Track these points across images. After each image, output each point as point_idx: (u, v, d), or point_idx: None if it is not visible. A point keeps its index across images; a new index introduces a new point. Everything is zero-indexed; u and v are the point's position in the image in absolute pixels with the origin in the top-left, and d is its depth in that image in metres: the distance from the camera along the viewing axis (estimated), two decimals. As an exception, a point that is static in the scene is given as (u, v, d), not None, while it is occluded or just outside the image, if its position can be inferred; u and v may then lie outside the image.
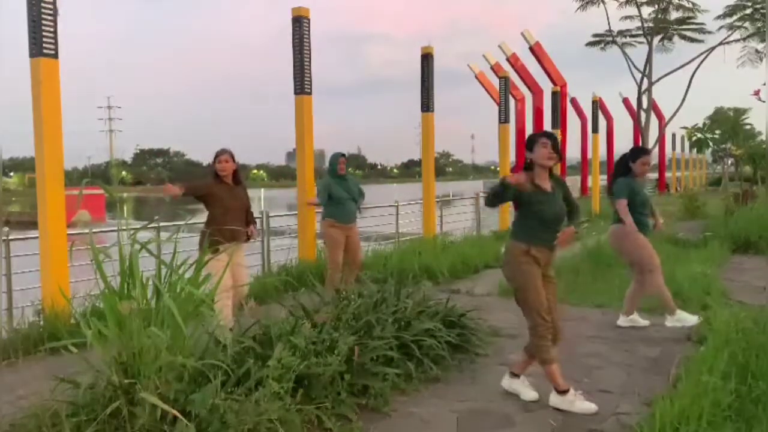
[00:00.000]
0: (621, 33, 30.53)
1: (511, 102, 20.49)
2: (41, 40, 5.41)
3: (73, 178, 52.87)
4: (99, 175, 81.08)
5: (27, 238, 6.33)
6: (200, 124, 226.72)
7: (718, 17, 28.75)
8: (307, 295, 5.00)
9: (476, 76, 26.91)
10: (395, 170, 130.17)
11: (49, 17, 5.45)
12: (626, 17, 29.62)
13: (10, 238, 5.80)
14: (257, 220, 5.81)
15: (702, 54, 29.54)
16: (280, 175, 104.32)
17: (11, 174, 69.66)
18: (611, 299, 6.30)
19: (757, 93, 26.29)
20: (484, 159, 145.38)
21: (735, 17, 28.37)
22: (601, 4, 28.83)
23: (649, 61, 29.25)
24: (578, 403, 3.65)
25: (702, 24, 29.55)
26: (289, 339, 3.63)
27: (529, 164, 3.80)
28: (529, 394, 3.86)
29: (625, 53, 30.15)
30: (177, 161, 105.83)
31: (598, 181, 18.74)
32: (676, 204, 16.66)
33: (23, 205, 33.70)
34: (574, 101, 30.26)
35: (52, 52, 5.50)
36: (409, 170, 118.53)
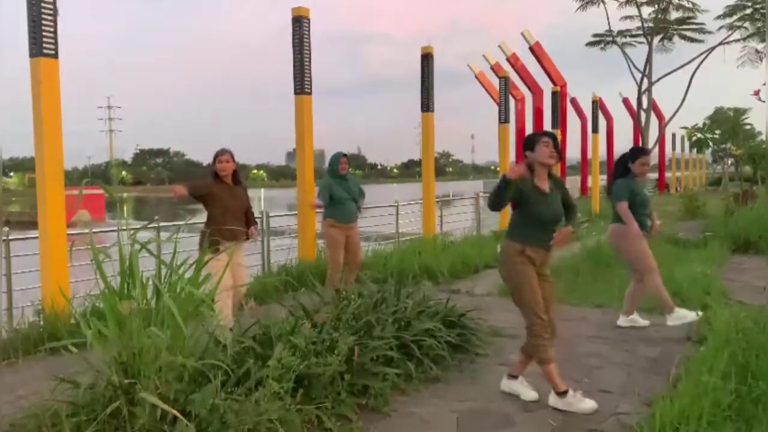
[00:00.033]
0: (621, 33, 30.53)
1: (511, 102, 20.51)
2: (41, 40, 5.41)
3: (73, 178, 52.93)
4: (99, 175, 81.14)
5: (27, 238, 6.32)
6: (200, 124, 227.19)
7: (718, 17, 28.76)
8: (307, 295, 5.00)
9: (476, 76, 26.93)
10: (395, 170, 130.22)
11: (49, 17, 5.45)
12: (626, 17, 29.63)
13: (10, 238, 5.80)
14: (257, 220, 5.80)
15: (702, 54, 29.57)
16: (280, 175, 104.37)
17: (11, 174, 69.68)
18: (611, 299, 6.30)
19: (757, 93, 26.30)
20: (484, 159, 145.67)
21: (735, 17, 28.38)
22: (601, 4, 28.84)
23: (649, 61, 29.25)
24: (577, 403, 3.65)
25: (702, 24, 29.58)
26: (289, 339, 3.63)
27: (528, 164, 3.79)
28: (529, 394, 3.86)
29: (625, 53, 30.18)
30: (177, 161, 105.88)
31: (598, 181, 18.74)
32: (676, 204, 16.67)
33: (23, 205, 33.69)
34: (574, 101, 30.26)
35: (52, 52, 5.49)
36: (409, 170, 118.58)
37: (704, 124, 40.74)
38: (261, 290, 6.44)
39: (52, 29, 5.48)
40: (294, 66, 8.07)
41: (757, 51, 29.53)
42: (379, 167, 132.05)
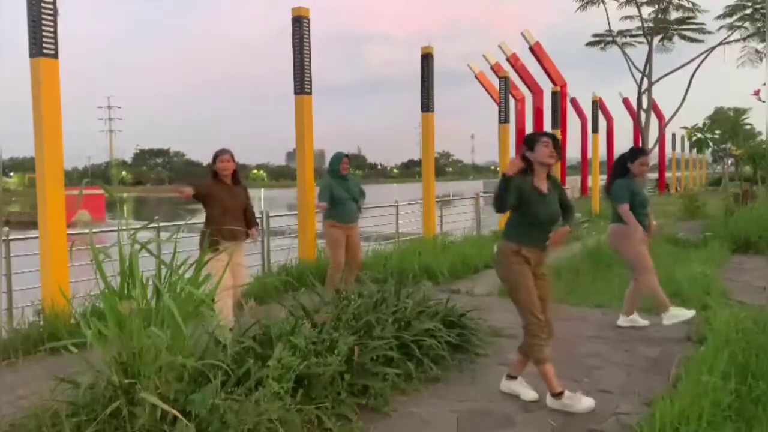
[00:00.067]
0: (621, 33, 30.49)
1: (511, 102, 20.53)
2: (41, 40, 5.41)
3: (73, 178, 52.90)
4: (99, 175, 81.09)
5: (27, 238, 6.32)
6: (200, 124, 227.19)
7: (718, 17, 28.73)
8: (307, 295, 5.00)
9: (476, 76, 26.96)
10: (395, 170, 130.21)
11: (49, 17, 5.45)
12: (626, 17, 29.59)
13: (10, 238, 5.80)
14: (257, 220, 5.80)
15: (702, 54, 29.53)
16: (280, 175, 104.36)
17: (11, 174, 69.67)
18: (611, 299, 6.30)
19: (757, 93, 26.31)
20: (484, 159, 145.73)
21: (735, 17, 28.33)
22: (601, 4, 28.79)
23: (649, 61, 29.23)
24: (575, 403, 3.65)
25: (702, 24, 29.54)
26: (289, 339, 3.63)
27: (527, 164, 3.79)
28: (529, 394, 3.86)
29: (625, 53, 30.14)
30: (177, 161, 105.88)
31: (598, 181, 18.73)
32: (676, 204, 16.67)
33: (23, 205, 33.67)
34: (574, 101, 30.30)
35: (52, 52, 5.49)
36: (409, 170, 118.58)
37: (704, 124, 40.75)
38: (261, 290, 6.43)
39: (52, 29, 5.48)
40: (294, 66, 8.07)
41: (757, 51, 29.51)
42: (379, 167, 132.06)
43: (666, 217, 14.27)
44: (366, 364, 3.81)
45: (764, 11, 25.58)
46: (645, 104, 29.68)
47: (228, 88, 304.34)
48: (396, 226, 11.05)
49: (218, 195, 5.12)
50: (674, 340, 5.08)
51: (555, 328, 3.88)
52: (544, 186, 3.79)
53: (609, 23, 29.83)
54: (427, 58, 10.50)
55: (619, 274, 6.89)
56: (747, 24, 28.29)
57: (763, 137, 29.23)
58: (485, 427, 3.53)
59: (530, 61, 25.07)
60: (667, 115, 33.11)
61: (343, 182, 6.63)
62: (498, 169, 15.78)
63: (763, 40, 27.23)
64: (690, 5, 28.39)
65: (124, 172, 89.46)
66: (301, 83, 8.08)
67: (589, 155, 23.87)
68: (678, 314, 5.29)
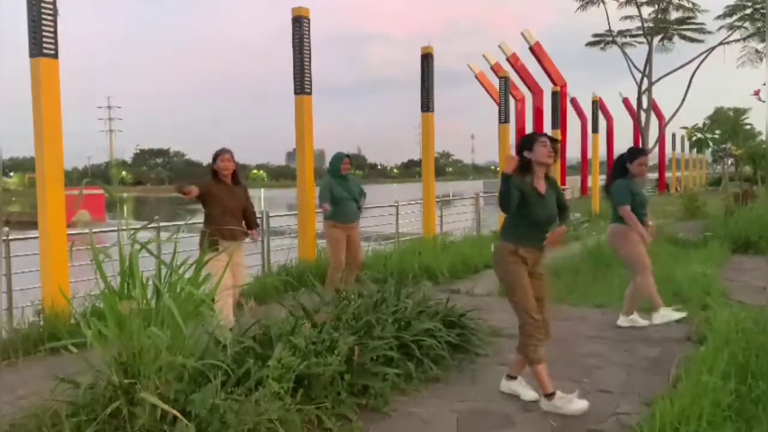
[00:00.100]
0: (621, 33, 30.46)
1: (511, 102, 20.51)
2: (41, 40, 5.41)
3: (73, 178, 52.90)
4: (99, 175, 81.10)
5: (27, 238, 6.32)
6: (200, 124, 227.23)
7: (718, 17, 28.71)
8: (307, 295, 5.00)
9: (476, 76, 26.95)
10: (395, 170, 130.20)
11: (49, 17, 5.45)
12: (626, 17, 29.57)
13: (10, 238, 5.80)
14: (257, 220, 5.79)
15: (702, 54, 29.50)
16: (280, 175, 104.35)
17: (11, 174, 69.66)
18: (611, 299, 6.30)
19: (757, 93, 26.31)
20: (484, 159, 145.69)
21: (735, 17, 28.31)
22: (601, 4, 28.76)
23: (649, 61, 29.21)
24: (566, 404, 3.63)
25: (702, 24, 29.52)
26: (289, 339, 3.63)
27: (526, 164, 3.78)
28: (529, 394, 3.86)
29: (625, 53, 30.11)
30: (177, 161, 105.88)
31: (598, 181, 18.72)
32: (676, 204, 16.66)
33: (23, 205, 33.68)
34: (574, 101, 30.29)
35: (52, 52, 5.50)
36: (409, 170, 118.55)
37: (704, 124, 40.74)
38: (261, 290, 6.44)
39: (52, 29, 5.48)
40: (294, 66, 8.07)
41: (757, 51, 29.48)
42: (379, 167, 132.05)
43: (666, 217, 14.26)
44: (366, 364, 3.81)
45: (764, 11, 25.58)
46: (645, 104, 29.66)
47: (228, 88, 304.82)
48: (396, 226, 11.05)
49: (218, 195, 5.11)
50: (674, 340, 5.08)
51: (555, 328, 3.89)
52: (542, 186, 3.79)
53: (609, 23, 29.83)
54: (427, 58, 10.50)
55: (619, 274, 6.89)
56: (747, 24, 28.27)
57: (763, 137, 29.25)
58: (485, 427, 3.53)
59: (530, 61, 25.09)
60: (667, 115, 33.11)
61: (344, 182, 6.64)
62: (498, 169, 15.80)
63: (763, 40, 27.22)
64: (690, 5, 28.38)
65: (124, 172, 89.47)
66: (301, 83, 8.08)
67: (589, 155, 23.87)
68: (668, 315, 5.41)
